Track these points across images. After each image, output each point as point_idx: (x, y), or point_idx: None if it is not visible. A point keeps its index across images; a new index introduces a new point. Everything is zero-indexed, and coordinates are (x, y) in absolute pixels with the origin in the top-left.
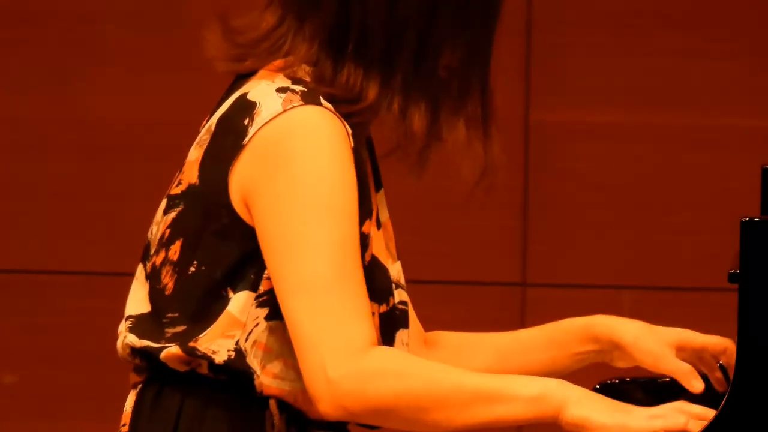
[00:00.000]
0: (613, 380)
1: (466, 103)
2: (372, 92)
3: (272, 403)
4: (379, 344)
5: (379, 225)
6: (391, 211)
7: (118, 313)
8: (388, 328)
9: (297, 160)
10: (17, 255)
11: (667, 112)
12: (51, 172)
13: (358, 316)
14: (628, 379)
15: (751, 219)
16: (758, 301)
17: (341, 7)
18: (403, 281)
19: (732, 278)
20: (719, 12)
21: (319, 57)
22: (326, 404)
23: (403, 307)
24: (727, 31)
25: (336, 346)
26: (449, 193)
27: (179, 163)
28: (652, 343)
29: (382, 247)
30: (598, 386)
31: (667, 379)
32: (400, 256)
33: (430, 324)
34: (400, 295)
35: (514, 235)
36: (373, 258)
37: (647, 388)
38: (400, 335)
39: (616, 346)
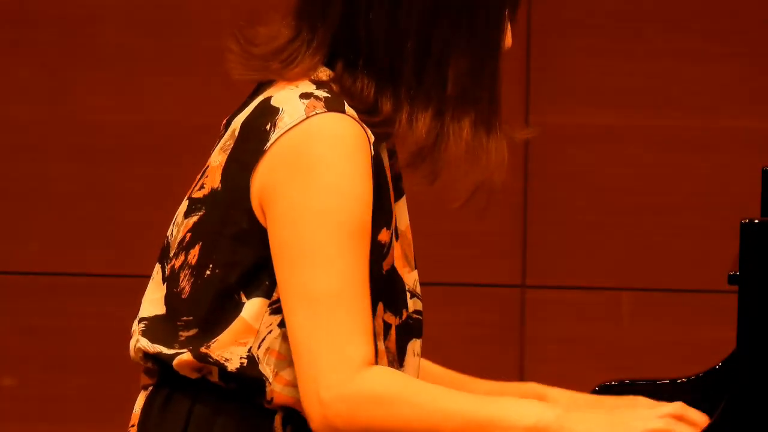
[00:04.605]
0: (613, 382)
1: (474, 113)
2: (386, 105)
3: (277, 419)
4: (391, 359)
5: (397, 235)
6: None
7: (119, 316)
8: (401, 338)
9: (315, 169)
10: (17, 257)
11: (666, 114)
12: (51, 174)
13: (359, 334)
14: (627, 381)
15: (751, 221)
16: (758, 302)
17: (345, 20)
18: (419, 290)
19: (732, 280)
20: (718, 14)
21: (334, 69)
22: (317, 423)
23: (417, 316)
24: (725, 33)
25: (331, 363)
26: (448, 195)
27: (179, 165)
28: None
29: (399, 256)
30: (597, 388)
31: (666, 381)
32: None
33: (430, 326)
34: (415, 305)
35: (513, 237)
36: (393, 268)
37: (647, 391)
38: (412, 345)
39: None
